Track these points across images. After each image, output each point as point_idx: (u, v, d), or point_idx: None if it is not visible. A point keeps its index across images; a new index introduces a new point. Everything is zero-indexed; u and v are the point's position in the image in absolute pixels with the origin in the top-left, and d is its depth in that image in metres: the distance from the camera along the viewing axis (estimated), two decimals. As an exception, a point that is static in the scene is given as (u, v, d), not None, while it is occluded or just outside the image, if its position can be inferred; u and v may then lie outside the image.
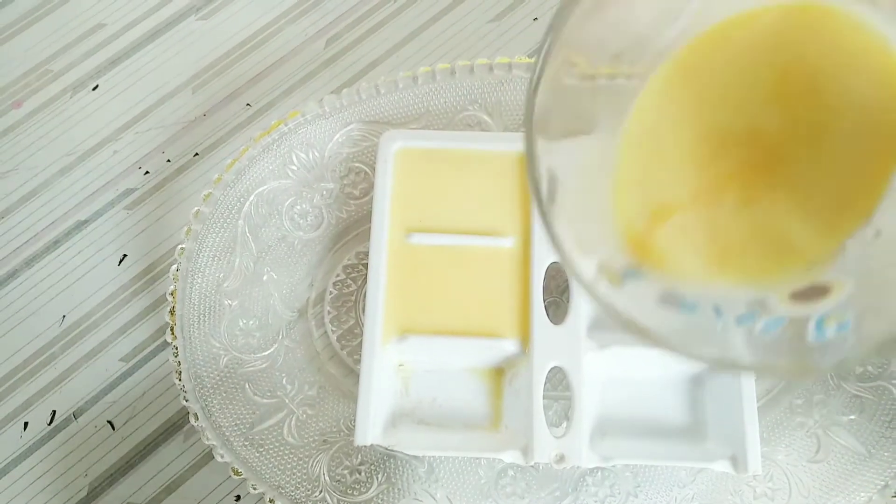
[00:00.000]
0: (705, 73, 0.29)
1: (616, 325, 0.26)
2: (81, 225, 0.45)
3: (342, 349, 0.41)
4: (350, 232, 0.43)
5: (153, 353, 0.42)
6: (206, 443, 0.36)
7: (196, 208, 0.40)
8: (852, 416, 0.38)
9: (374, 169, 0.43)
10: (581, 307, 0.37)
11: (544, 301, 0.37)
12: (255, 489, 0.36)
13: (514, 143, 0.41)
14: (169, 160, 0.46)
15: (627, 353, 0.37)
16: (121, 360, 0.42)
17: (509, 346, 0.37)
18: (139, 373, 0.41)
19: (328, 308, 0.41)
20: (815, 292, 0.27)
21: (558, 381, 0.39)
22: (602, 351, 0.37)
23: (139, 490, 0.39)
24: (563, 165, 0.28)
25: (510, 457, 0.36)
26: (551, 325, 0.37)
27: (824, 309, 0.26)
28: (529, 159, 0.26)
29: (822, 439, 0.38)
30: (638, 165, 0.30)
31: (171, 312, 0.39)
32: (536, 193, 0.26)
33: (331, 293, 0.42)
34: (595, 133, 0.31)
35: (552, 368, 0.36)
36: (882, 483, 0.37)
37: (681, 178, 0.30)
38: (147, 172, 0.46)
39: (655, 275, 0.29)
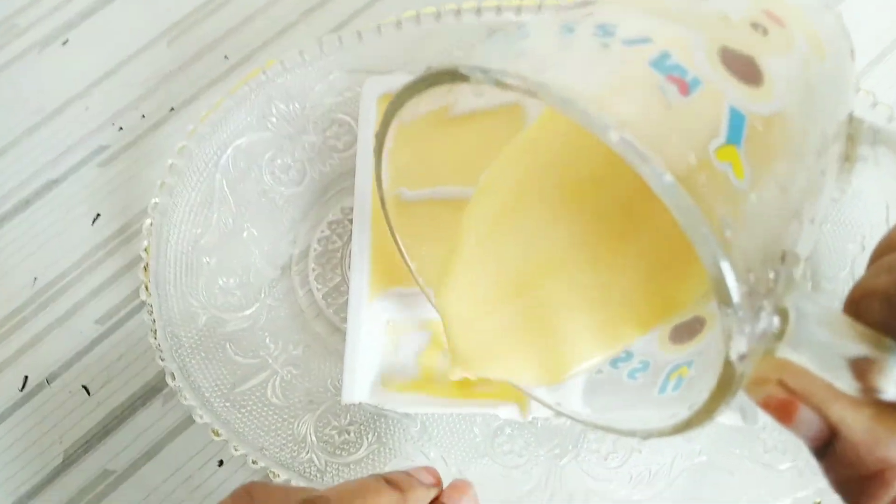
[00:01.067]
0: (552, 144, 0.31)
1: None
2: (52, 184, 0.43)
3: (328, 307, 0.39)
4: (334, 186, 0.41)
5: (129, 315, 0.40)
6: (185, 403, 0.34)
7: (170, 161, 0.38)
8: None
9: (357, 120, 0.41)
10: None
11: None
12: (236, 451, 0.34)
13: (507, 92, 0.39)
14: (143, 115, 0.44)
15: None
16: (96, 322, 0.40)
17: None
18: (115, 335, 0.39)
19: (312, 265, 0.39)
20: (693, 328, 0.27)
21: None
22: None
23: (116, 456, 0.37)
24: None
25: (506, 412, 0.35)
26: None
27: (682, 358, 0.26)
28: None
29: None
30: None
31: (146, 269, 0.37)
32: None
33: (315, 250, 0.40)
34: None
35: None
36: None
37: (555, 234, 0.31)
38: (121, 128, 0.44)
39: None
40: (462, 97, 0.30)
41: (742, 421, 0.34)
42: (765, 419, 0.34)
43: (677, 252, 0.29)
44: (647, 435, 0.24)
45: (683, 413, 0.22)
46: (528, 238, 0.31)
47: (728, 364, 0.19)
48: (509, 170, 0.32)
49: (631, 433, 0.25)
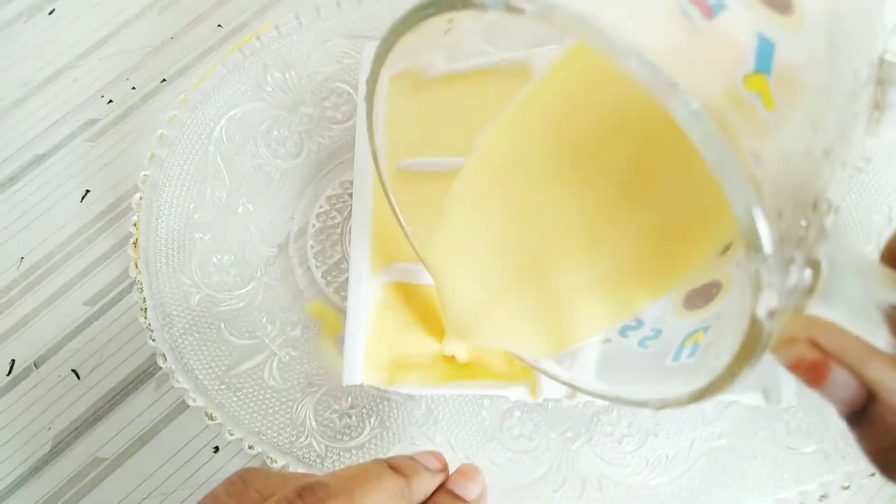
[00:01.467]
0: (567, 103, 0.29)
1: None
2: (40, 159, 0.41)
3: (328, 286, 0.37)
4: (333, 159, 0.39)
5: (120, 296, 0.38)
6: (177, 386, 0.33)
7: (160, 131, 0.36)
8: (893, 341, 0.34)
9: (357, 89, 0.39)
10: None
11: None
12: (231, 435, 0.32)
13: (517, 55, 0.37)
14: (134, 87, 0.42)
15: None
16: (85, 303, 0.38)
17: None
18: (105, 317, 0.38)
19: (311, 242, 0.38)
20: (709, 291, 0.26)
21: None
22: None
23: (108, 443, 0.36)
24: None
25: (516, 394, 0.33)
26: (557, 248, 0.33)
27: (696, 323, 0.25)
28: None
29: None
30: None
31: (135, 245, 0.35)
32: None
33: (314, 226, 0.38)
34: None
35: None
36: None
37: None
38: (110, 101, 0.42)
39: None
40: (437, 60, 0.28)
41: (764, 401, 0.32)
42: (789, 399, 0.32)
43: (687, 213, 0.27)
44: (661, 405, 0.23)
45: (702, 380, 0.21)
46: (526, 201, 0.29)
47: (755, 322, 0.17)
48: (507, 130, 0.30)
49: (642, 404, 0.24)
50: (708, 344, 0.24)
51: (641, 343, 0.27)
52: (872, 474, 0.33)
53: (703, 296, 0.26)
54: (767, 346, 0.17)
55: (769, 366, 0.32)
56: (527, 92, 0.30)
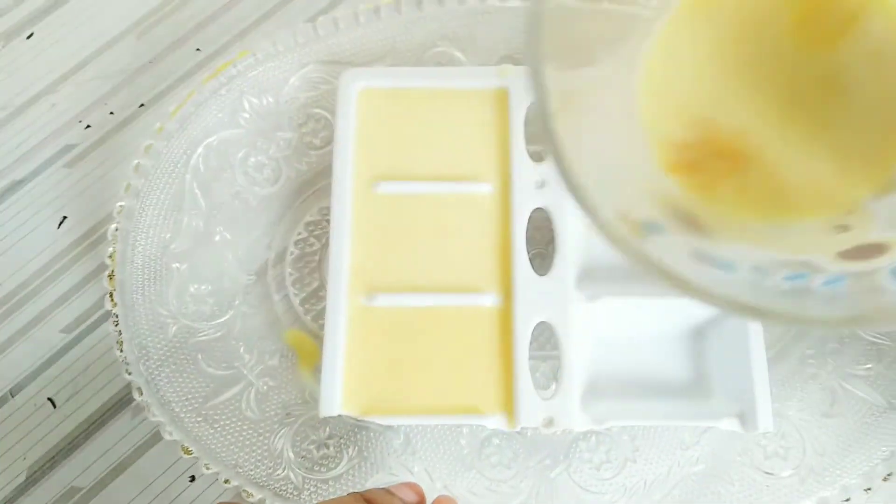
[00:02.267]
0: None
1: (647, 277, 0.23)
2: (16, 185, 0.41)
3: (306, 314, 0.37)
4: (311, 186, 0.39)
5: (97, 324, 0.38)
6: (153, 419, 0.33)
7: (136, 161, 0.36)
8: (869, 366, 0.35)
9: (335, 115, 0.39)
10: (569, 256, 0.33)
11: (528, 253, 0.33)
12: (208, 469, 0.32)
13: (490, 80, 0.37)
14: (112, 112, 0.42)
15: (620, 305, 0.33)
16: (61, 331, 0.38)
17: (488, 301, 0.33)
18: (82, 345, 0.37)
19: (289, 270, 0.38)
20: (869, 251, 0.25)
21: (545, 340, 0.36)
22: (592, 303, 0.33)
23: (84, 473, 0.35)
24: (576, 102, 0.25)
25: (494, 423, 0.33)
26: (536, 276, 0.33)
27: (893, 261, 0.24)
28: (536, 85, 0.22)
29: (837, 392, 0.34)
30: (667, 90, 0.28)
31: (111, 277, 0.35)
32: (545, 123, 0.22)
33: (292, 253, 0.38)
34: (606, 65, 0.28)
35: (538, 324, 0.32)
36: (905, 437, 0.34)
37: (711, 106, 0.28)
38: (88, 126, 0.42)
39: (680, 231, 0.26)
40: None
41: (742, 428, 0.32)
42: (765, 425, 0.32)
43: None
44: None
45: None
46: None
47: None
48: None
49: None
50: None
51: (826, 283, 0.24)
52: (847, 499, 0.33)
53: (862, 254, 0.25)
54: None
55: (746, 392, 0.32)
56: None
